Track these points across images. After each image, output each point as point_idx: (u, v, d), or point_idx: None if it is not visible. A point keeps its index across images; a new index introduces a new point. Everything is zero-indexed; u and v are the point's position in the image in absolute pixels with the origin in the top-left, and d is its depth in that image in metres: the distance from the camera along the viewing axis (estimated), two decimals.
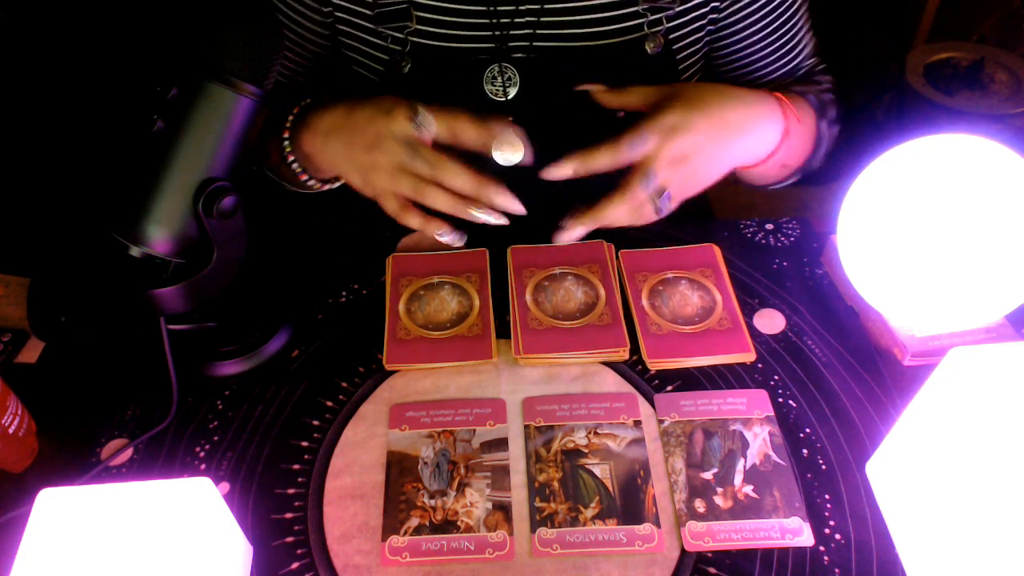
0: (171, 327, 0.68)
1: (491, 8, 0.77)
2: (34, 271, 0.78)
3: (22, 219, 1.11)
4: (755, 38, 0.83)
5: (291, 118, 0.72)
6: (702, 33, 0.82)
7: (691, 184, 0.70)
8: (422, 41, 0.79)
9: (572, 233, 0.71)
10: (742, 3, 0.81)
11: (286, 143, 0.73)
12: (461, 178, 0.66)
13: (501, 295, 0.79)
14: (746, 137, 0.70)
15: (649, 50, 0.79)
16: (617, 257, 0.83)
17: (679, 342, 0.74)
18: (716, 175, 0.71)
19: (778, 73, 0.85)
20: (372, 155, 0.67)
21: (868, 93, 1.91)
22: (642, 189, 0.67)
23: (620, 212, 0.69)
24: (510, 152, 0.83)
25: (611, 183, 0.92)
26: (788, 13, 0.82)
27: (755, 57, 0.84)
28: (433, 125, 0.67)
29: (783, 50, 0.83)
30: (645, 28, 0.78)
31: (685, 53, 0.82)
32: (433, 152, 0.67)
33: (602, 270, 0.80)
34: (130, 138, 0.63)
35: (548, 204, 0.90)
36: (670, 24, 0.79)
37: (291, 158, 0.74)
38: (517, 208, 0.68)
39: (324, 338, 0.77)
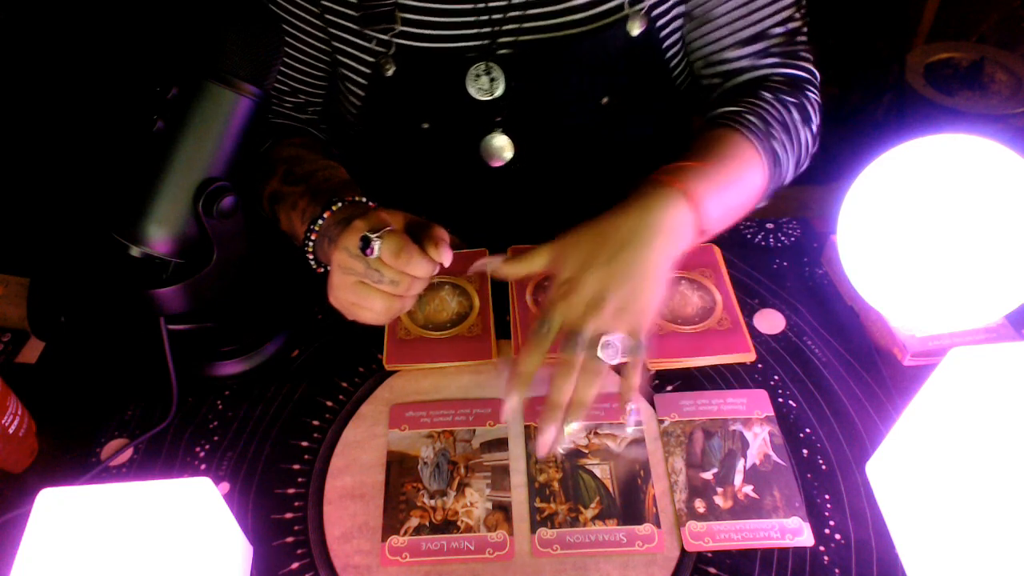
0: (171, 327, 0.68)
1: (483, 5, 0.76)
2: (34, 271, 0.78)
3: (22, 219, 1.12)
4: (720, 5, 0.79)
5: (321, 222, 0.71)
6: (681, 7, 0.80)
7: (629, 314, 0.60)
8: (407, 43, 0.78)
9: (547, 438, 0.61)
10: None
11: (309, 245, 0.72)
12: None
13: (501, 295, 0.79)
14: (646, 244, 0.62)
15: (632, 31, 0.77)
16: None
17: (679, 342, 0.74)
18: (646, 288, 0.61)
19: (740, 46, 0.80)
20: (331, 280, 0.66)
21: (868, 93, 1.91)
22: (574, 353, 0.59)
23: (568, 386, 0.59)
24: (500, 153, 0.83)
25: (595, 171, 0.91)
26: None
27: (716, 22, 0.80)
28: (383, 251, 0.62)
29: (746, 15, 0.79)
30: (626, 8, 0.77)
31: (667, 30, 0.80)
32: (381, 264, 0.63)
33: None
34: (130, 138, 0.63)
35: (544, 204, 0.90)
36: (651, 1, 0.78)
37: (310, 256, 0.73)
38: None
39: (324, 338, 0.77)
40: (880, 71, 1.89)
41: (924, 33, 1.92)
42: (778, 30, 0.80)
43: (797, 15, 0.80)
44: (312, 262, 0.73)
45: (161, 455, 0.68)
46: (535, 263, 0.66)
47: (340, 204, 0.70)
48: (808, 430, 0.68)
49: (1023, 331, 0.73)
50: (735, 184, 0.71)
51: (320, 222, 0.70)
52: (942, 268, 0.63)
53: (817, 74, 0.82)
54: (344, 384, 0.73)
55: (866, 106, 1.91)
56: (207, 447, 0.68)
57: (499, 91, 0.79)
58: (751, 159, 0.73)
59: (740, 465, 0.65)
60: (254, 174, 0.81)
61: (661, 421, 0.68)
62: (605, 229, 0.63)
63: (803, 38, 0.82)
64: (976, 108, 1.67)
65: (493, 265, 0.66)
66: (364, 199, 0.71)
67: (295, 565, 0.60)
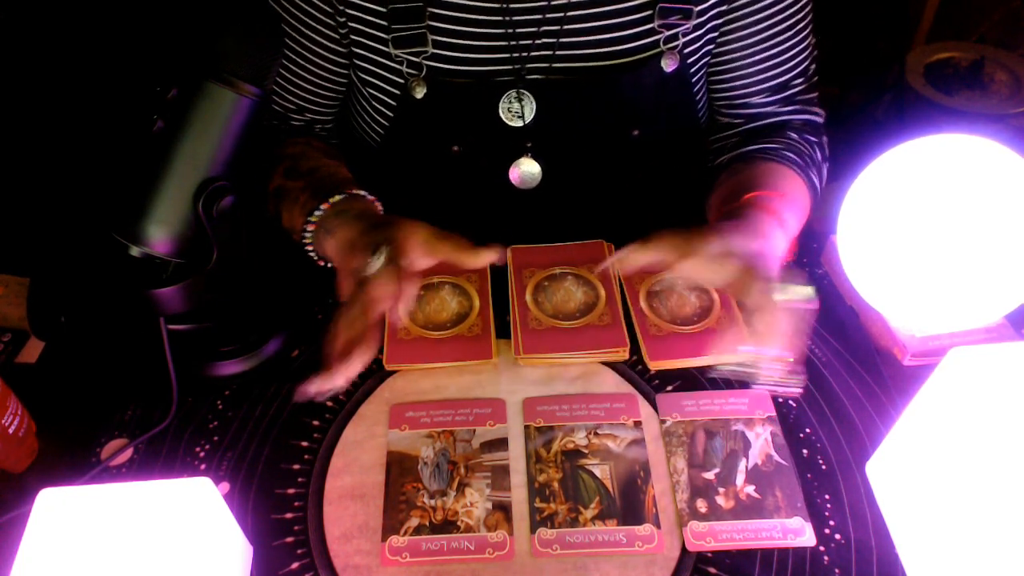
0: (171, 327, 0.68)
1: (511, 31, 0.76)
2: (34, 271, 0.78)
3: (22, 219, 1.12)
4: (747, 52, 0.82)
5: (319, 213, 0.71)
6: (711, 46, 0.82)
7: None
8: (438, 65, 0.78)
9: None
10: (739, 18, 0.80)
11: (307, 236, 0.72)
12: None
13: (501, 295, 0.79)
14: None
15: (666, 68, 0.79)
16: None
17: (679, 343, 0.74)
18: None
19: (766, 93, 0.84)
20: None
21: (868, 93, 1.91)
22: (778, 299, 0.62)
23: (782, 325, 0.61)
24: (528, 177, 0.84)
25: (619, 198, 0.92)
26: (782, 28, 0.80)
27: (744, 72, 0.83)
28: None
29: (773, 67, 0.82)
30: (661, 45, 0.78)
31: (696, 67, 0.82)
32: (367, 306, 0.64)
33: (602, 270, 0.80)
34: (130, 138, 0.63)
35: (561, 221, 0.90)
36: (685, 39, 0.79)
37: (309, 248, 0.73)
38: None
39: (324, 338, 0.77)
40: (880, 71, 1.89)
41: (924, 33, 1.92)
42: (799, 80, 0.85)
43: (813, 64, 0.85)
44: (312, 254, 0.73)
45: (161, 455, 0.68)
46: (648, 255, 0.67)
47: (339, 197, 0.70)
48: (808, 430, 0.68)
49: (1023, 331, 0.73)
50: (802, 215, 0.77)
51: (318, 213, 0.70)
52: (942, 268, 0.63)
53: (824, 115, 0.88)
54: None
55: (866, 106, 1.91)
56: (207, 447, 0.68)
57: (530, 117, 0.79)
58: (805, 192, 0.80)
59: (742, 465, 0.65)
60: (258, 170, 0.81)
61: (663, 421, 0.68)
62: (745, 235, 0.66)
63: (816, 80, 0.87)
64: (976, 108, 1.67)
65: (618, 260, 0.67)
66: (363, 192, 0.71)
67: (295, 565, 0.60)
